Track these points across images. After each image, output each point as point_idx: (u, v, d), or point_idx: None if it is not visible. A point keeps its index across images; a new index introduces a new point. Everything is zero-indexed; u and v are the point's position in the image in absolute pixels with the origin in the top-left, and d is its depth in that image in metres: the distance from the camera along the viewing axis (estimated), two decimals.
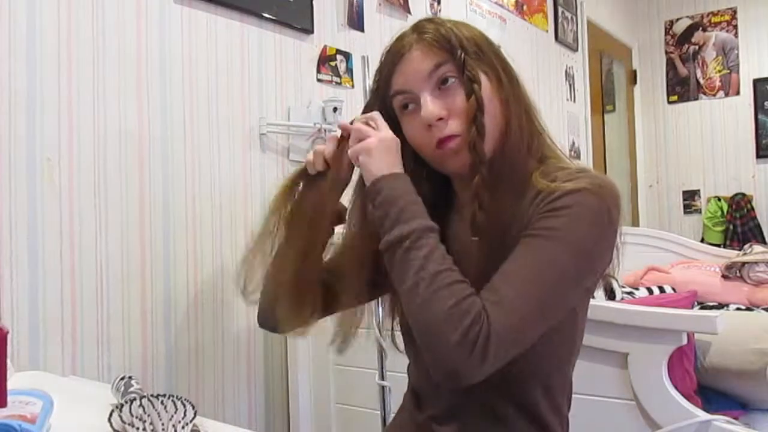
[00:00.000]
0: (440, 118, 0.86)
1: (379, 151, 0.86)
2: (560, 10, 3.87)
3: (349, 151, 0.89)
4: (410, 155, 0.91)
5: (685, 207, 4.91)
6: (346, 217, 0.96)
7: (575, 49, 4.08)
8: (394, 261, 0.81)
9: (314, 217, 0.93)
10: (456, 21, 0.92)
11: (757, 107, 4.67)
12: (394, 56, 0.90)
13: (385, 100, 0.92)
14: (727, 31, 4.80)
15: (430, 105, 0.86)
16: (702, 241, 4.38)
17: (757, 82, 4.67)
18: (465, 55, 0.86)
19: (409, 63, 0.88)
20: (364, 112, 0.94)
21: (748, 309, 2.21)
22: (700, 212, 4.83)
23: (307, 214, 0.93)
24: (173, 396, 0.87)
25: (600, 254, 0.83)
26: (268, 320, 1.00)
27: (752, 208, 4.59)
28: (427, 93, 0.87)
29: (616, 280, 2.23)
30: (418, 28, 0.90)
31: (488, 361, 0.74)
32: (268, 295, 0.98)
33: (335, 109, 2.11)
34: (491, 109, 0.86)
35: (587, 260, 0.82)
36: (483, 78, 0.86)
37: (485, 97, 0.85)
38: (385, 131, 0.88)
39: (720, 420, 1.15)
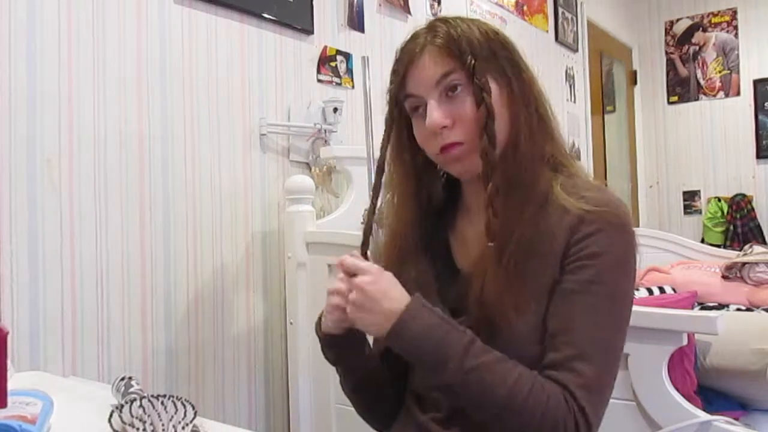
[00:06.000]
0: (444, 126, 0.86)
1: (365, 304, 0.82)
2: (560, 10, 3.87)
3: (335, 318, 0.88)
4: (424, 153, 0.93)
5: (686, 207, 4.91)
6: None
7: (575, 50, 4.08)
8: (459, 395, 0.81)
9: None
10: (472, 20, 0.91)
11: (758, 108, 4.67)
12: (406, 58, 0.89)
13: (398, 100, 0.92)
14: (727, 31, 4.80)
15: (434, 113, 0.86)
16: (702, 241, 4.38)
17: (757, 83, 4.67)
18: (475, 62, 0.85)
19: (419, 68, 0.88)
20: (389, 114, 0.94)
21: (748, 309, 2.20)
22: (701, 213, 4.83)
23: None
24: (173, 396, 0.87)
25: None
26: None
27: (752, 209, 4.58)
28: (433, 100, 0.86)
29: None
30: (431, 29, 0.89)
31: None
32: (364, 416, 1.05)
33: (335, 110, 2.11)
34: (500, 117, 0.86)
35: (632, 300, 0.87)
36: (493, 85, 0.86)
37: (494, 104, 0.85)
38: (360, 276, 0.83)
39: (720, 420, 1.15)
